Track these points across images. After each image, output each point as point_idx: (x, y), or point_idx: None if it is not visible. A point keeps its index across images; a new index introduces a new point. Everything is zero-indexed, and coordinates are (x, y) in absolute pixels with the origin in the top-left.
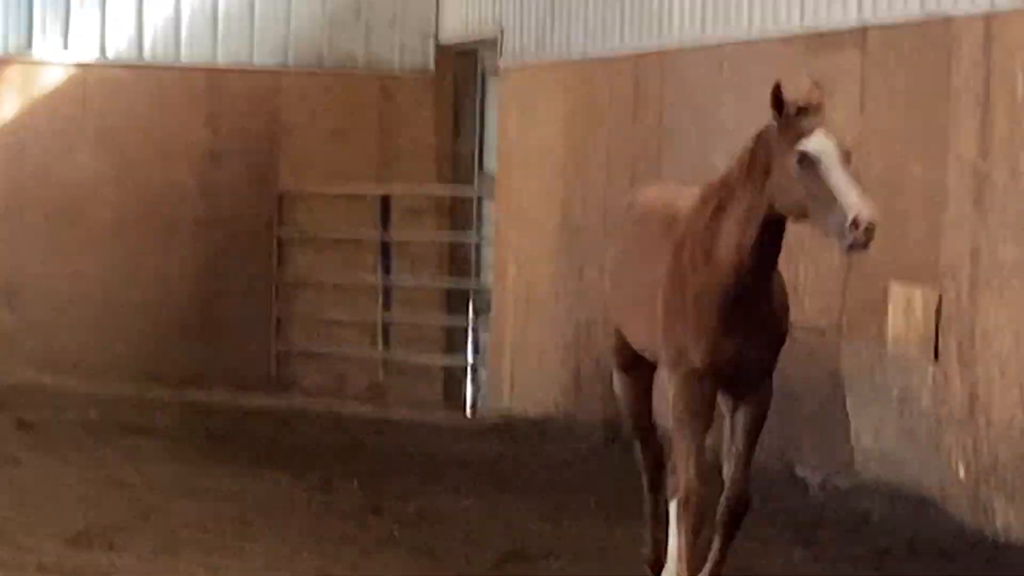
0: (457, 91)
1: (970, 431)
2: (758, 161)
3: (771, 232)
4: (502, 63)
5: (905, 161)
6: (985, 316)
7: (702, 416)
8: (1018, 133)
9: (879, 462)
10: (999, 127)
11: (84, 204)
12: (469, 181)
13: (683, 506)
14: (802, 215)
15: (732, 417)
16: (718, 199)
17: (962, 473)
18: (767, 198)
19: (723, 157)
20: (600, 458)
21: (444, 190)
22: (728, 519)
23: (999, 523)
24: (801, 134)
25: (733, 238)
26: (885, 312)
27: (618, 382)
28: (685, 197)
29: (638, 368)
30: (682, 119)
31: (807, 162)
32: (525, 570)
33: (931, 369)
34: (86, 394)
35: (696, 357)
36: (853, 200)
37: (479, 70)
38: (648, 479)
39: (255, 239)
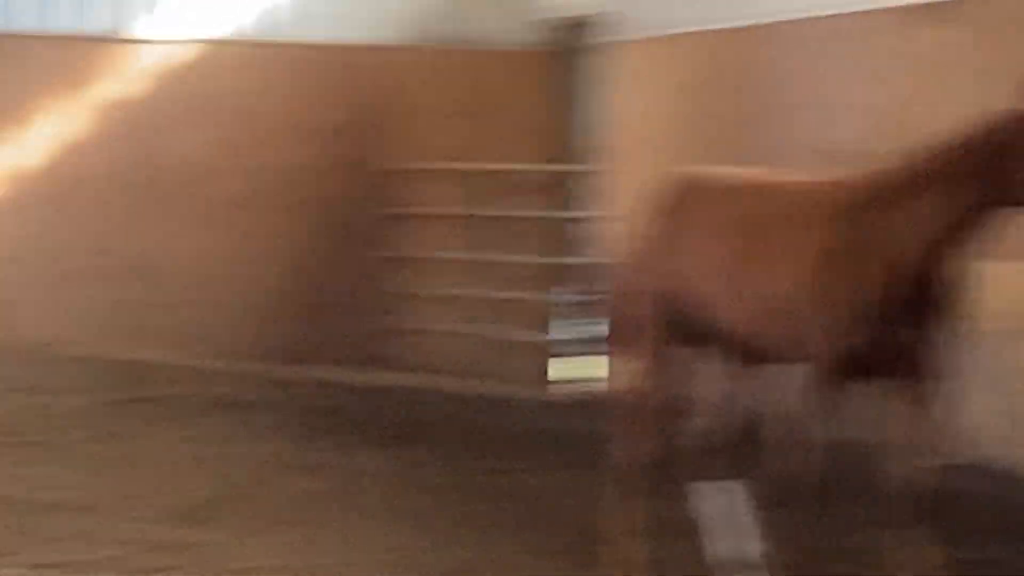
0: (564, 66)
1: None
2: (998, 150)
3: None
4: (611, 37)
5: None
6: None
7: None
8: None
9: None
10: None
11: (201, 182)
12: (575, 157)
13: None
14: None
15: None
16: (906, 188)
17: None
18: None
19: (838, 132)
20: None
21: (549, 166)
22: None
23: None
24: None
25: (932, 236)
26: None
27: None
28: (778, 176)
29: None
30: (791, 93)
31: None
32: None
33: None
34: (204, 371)
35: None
36: None
37: (586, 45)
38: (631, 482)
39: (367, 217)
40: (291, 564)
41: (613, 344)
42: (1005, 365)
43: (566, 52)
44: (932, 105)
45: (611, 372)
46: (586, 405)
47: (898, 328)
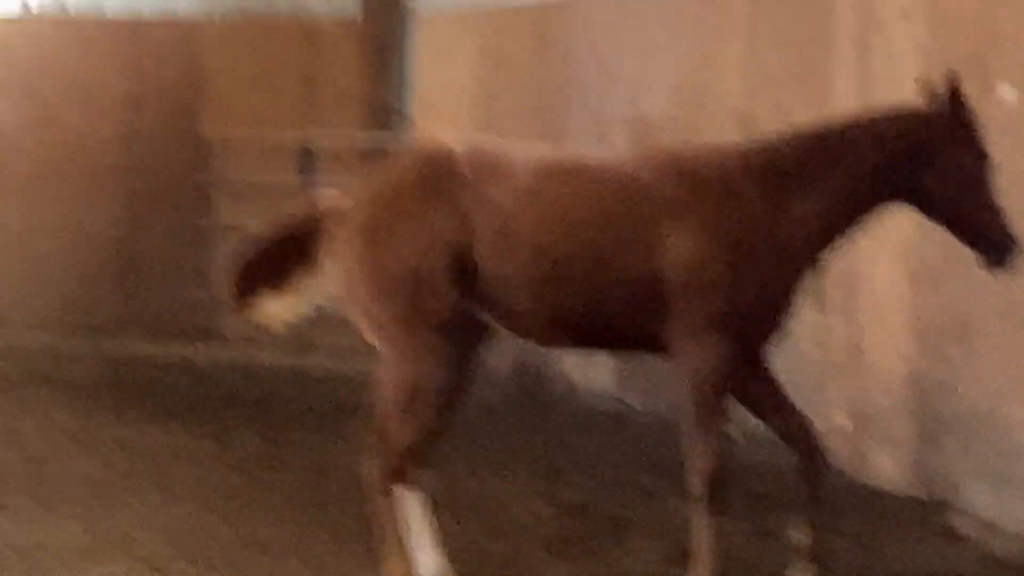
0: (383, 37)
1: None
2: (903, 143)
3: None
4: (419, 11)
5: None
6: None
7: None
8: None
9: None
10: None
11: (5, 154)
12: (392, 128)
13: None
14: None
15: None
16: (790, 171)
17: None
18: (908, 184)
19: (623, 107)
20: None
21: (367, 137)
22: None
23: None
24: (976, 134)
25: (827, 221)
26: None
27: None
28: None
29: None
30: (586, 69)
31: (982, 166)
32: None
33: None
34: (12, 346)
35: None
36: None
37: (405, 16)
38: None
39: (178, 187)
40: (74, 542)
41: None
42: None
43: (385, 24)
44: (720, 72)
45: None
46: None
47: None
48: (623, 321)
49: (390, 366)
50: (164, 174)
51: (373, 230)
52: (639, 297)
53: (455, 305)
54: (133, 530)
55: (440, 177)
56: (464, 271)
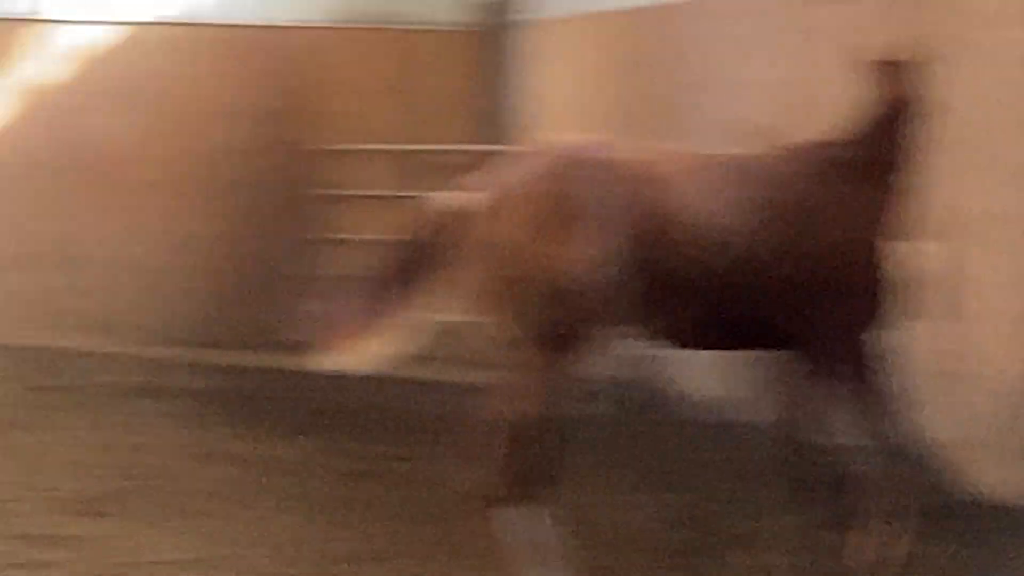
0: (489, 45)
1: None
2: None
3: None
4: (531, 16)
5: None
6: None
7: None
8: None
9: None
10: None
11: (124, 166)
12: (501, 137)
13: None
14: None
15: None
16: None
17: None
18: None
19: (734, 111)
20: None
21: (476, 146)
22: None
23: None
24: None
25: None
26: None
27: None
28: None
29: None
30: (695, 73)
31: None
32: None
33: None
34: (122, 357)
35: None
36: None
37: (512, 23)
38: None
39: (294, 198)
40: (186, 557)
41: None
42: None
43: (493, 31)
44: (830, 81)
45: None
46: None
47: None
48: (776, 319)
49: (519, 380)
50: (272, 186)
51: (513, 241)
52: (797, 293)
53: (598, 319)
54: (242, 544)
55: (584, 182)
56: (614, 281)
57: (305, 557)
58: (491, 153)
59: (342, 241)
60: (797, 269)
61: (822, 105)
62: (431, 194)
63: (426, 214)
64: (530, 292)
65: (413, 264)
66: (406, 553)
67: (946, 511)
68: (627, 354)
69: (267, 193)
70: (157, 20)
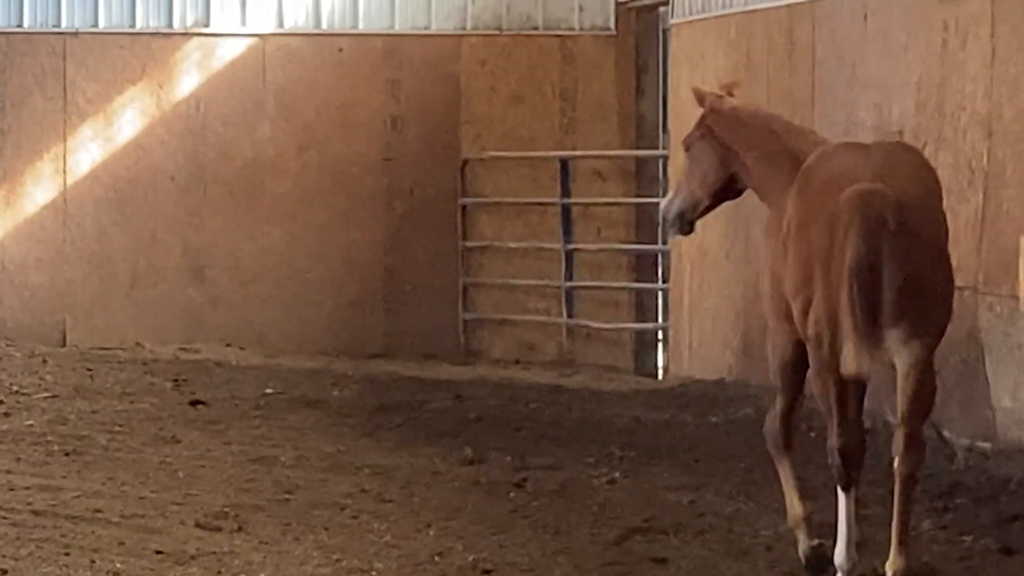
0: (638, 50)
1: None
2: None
3: None
4: (672, 19)
5: None
6: None
7: None
8: None
9: (1018, 425)
10: None
11: (266, 177)
12: (653, 142)
13: None
14: None
15: None
16: None
17: None
18: None
19: (868, 111)
20: (759, 425)
21: (627, 152)
22: None
23: None
24: None
25: None
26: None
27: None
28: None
29: None
30: (831, 71)
31: None
32: (644, 547)
33: None
34: (266, 369)
35: None
36: None
37: (660, 28)
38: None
39: (438, 207)
40: (317, 572)
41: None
42: None
43: (642, 35)
44: (964, 76)
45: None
46: (664, 396)
47: None
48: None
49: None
50: (424, 194)
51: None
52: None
53: None
54: (376, 558)
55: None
56: None
57: (443, 571)
58: (645, 159)
59: (494, 249)
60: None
61: (960, 103)
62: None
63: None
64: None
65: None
66: (538, 565)
67: None
68: None
69: (420, 202)
70: (301, 31)
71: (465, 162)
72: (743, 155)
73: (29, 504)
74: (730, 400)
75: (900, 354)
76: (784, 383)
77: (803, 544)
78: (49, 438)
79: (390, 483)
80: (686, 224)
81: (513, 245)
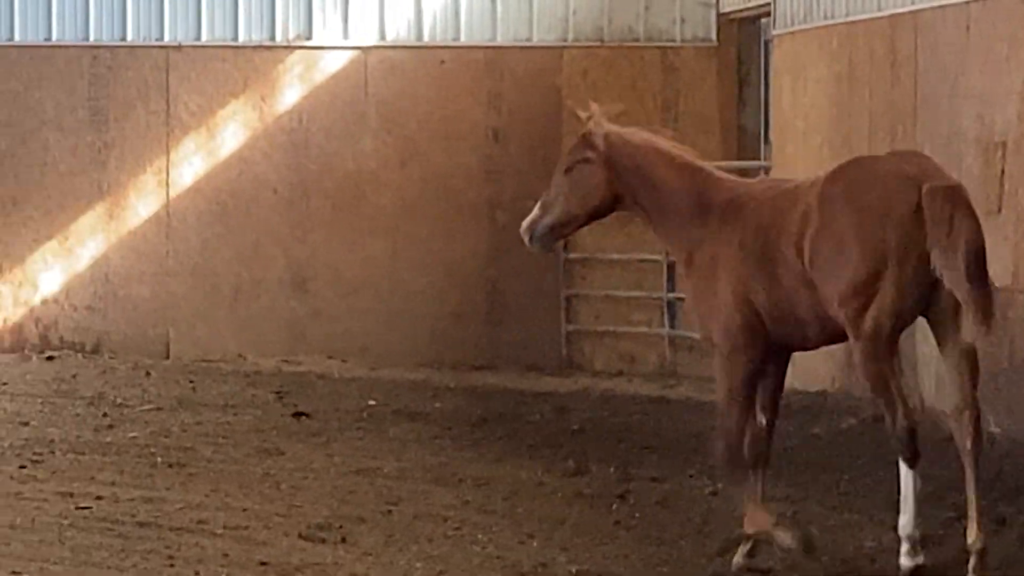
0: (740, 61)
1: None
2: None
3: None
4: (774, 30)
5: None
6: None
7: None
8: None
9: None
10: None
11: (368, 189)
12: (755, 153)
13: None
14: None
15: None
16: None
17: None
18: None
19: (970, 121)
20: (862, 436)
21: (729, 163)
22: None
23: None
24: None
25: None
26: None
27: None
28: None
29: None
30: (933, 82)
31: None
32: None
33: None
34: (368, 381)
35: None
36: None
37: (761, 39)
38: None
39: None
40: None
41: None
42: None
43: (744, 47)
44: None
45: None
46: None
47: None
48: None
49: None
50: (526, 206)
51: None
52: None
53: None
54: (479, 569)
55: None
56: None
57: None
58: (746, 169)
59: (597, 260)
60: None
61: None
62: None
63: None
64: None
65: None
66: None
67: None
68: None
69: (521, 214)
70: (403, 43)
71: None
72: (637, 184)
73: (133, 516)
74: (832, 411)
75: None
76: (743, 401)
77: (787, 536)
78: (153, 450)
79: (493, 494)
80: (553, 241)
81: (615, 256)
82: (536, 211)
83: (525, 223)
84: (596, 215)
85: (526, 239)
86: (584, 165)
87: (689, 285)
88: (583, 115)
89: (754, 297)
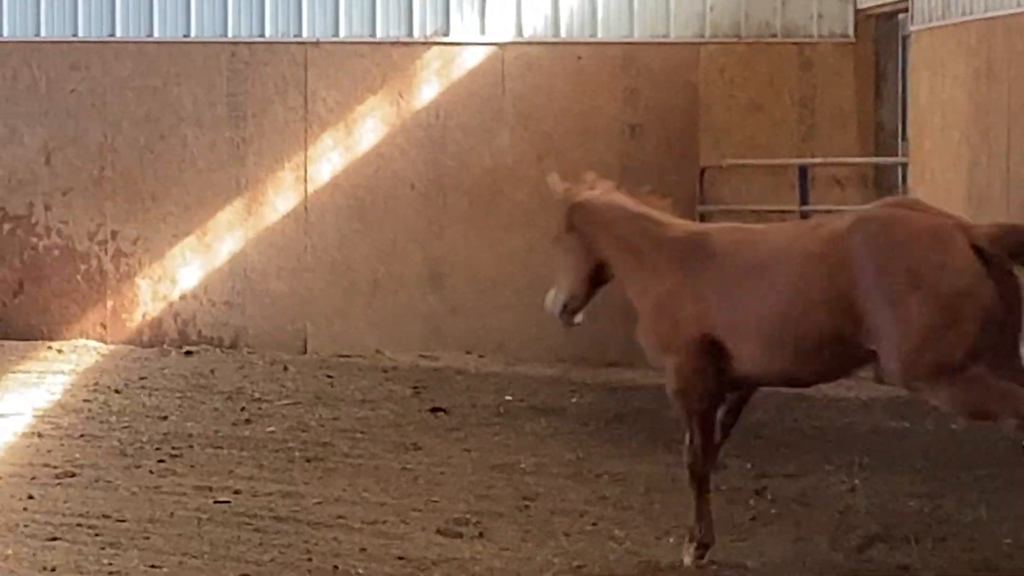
0: (878, 57)
1: None
2: None
3: None
4: (912, 26)
5: None
6: None
7: None
8: None
9: None
10: None
11: (505, 184)
12: (892, 149)
13: None
14: None
15: None
16: None
17: None
18: None
19: None
20: (999, 431)
21: (866, 159)
22: None
23: None
24: None
25: None
26: None
27: None
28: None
29: None
30: None
31: None
32: (885, 555)
33: None
34: (505, 377)
35: None
36: None
37: (899, 35)
38: None
39: (677, 215)
40: None
41: None
42: None
43: (882, 43)
44: None
45: None
46: (904, 402)
47: None
48: None
49: None
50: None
51: None
52: None
53: None
54: (616, 565)
55: None
56: None
57: None
58: (884, 166)
59: None
60: None
61: None
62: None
63: None
64: None
65: None
66: (795, 572)
67: None
68: None
69: None
70: (540, 39)
71: (703, 170)
72: (605, 246)
73: (271, 510)
74: None
75: None
76: (708, 417)
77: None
78: (291, 445)
79: (630, 490)
80: (571, 317)
81: None
82: (553, 289)
83: (547, 301)
84: (596, 283)
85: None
86: (565, 236)
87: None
88: (558, 187)
89: (718, 336)
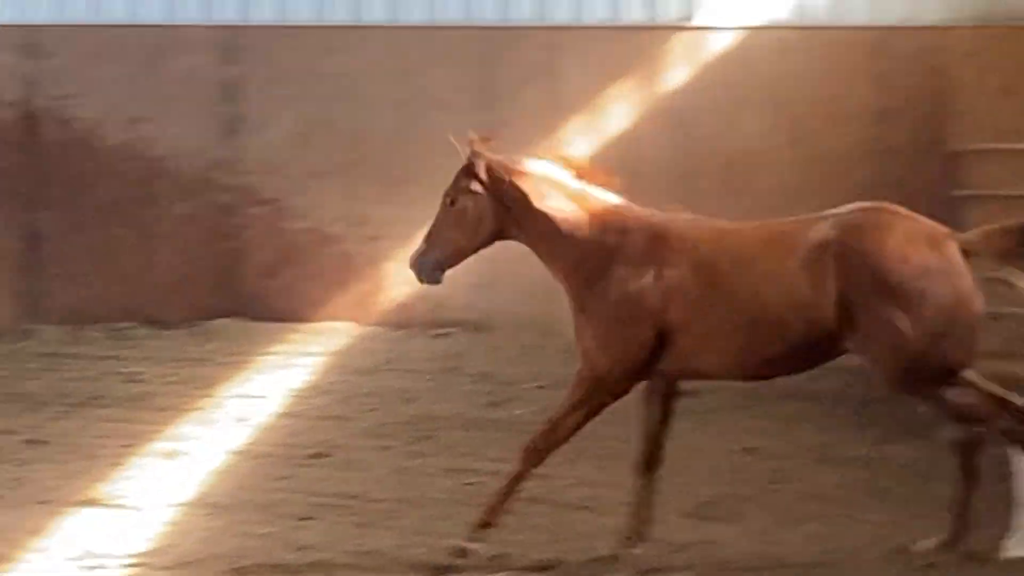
0: None
1: None
2: None
3: None
4: None
5: None
6: None
7: None
8: None
9: None
10: None
11: (754, 171)
12: None
13: None
14: None
15: None
16: None
17: None
18: None
19: None
20: None
21: None
22: None
23: None
24: None
25: None
26: None
27: None
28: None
29: None
30: None
31: None
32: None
33: None
34: None
35: None
36: None
37: None
38: None
39: (926, 199)
40: (801, 560)
41: None
42: None
43: None
44: None
45: None
46: None
47: None
48: None
49: None
50: (911, 188)
51: None
52: None
53: None
54: (865, 550)
55: None
56: None
57: (937, 562)
58: None
59: None
60: None
61: None
62: None
63: None
64: None
65: None
66: None
67: None
68: None
69: (907, 195)
70: (788, 24)
71: (954, 154)
72: (522, 215)
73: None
74: None
75: None
76: (590, 416)
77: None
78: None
79: (879, 474)
80: (442, 274)
81: None
82: (421, 244)
83: (411, 258)
84: (483, 246)
85: (414, 273)
86: (468, 196)
87: (583, 314)
88: (462, 146)
89: (673, 332)
